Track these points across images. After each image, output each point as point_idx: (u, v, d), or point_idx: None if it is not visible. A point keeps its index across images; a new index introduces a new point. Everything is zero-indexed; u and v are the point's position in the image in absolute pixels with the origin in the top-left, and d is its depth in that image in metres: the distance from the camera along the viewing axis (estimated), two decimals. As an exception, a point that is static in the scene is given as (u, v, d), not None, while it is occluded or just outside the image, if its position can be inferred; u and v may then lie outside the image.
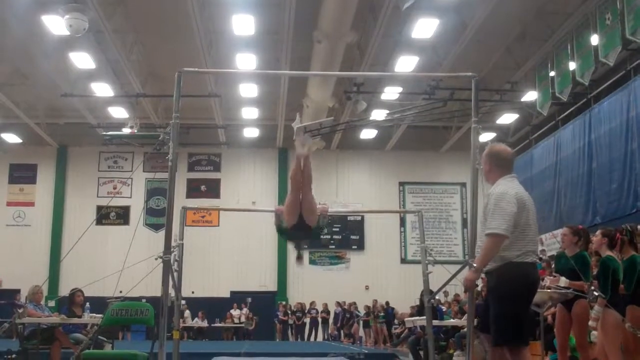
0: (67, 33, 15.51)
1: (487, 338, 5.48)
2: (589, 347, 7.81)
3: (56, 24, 15.72)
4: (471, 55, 17.73)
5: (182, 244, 8.21)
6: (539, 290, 5.73)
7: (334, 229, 26.38)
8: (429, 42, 17.58)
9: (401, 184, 26.65)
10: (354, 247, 26.49)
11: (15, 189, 26.39)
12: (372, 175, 26.96)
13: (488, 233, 5.14)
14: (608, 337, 6.91)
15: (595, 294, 6.94)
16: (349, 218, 26.40)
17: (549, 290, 7.29)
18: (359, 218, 26.41)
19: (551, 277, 7.52)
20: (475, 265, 5.26)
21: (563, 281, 7.14)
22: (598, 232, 7.28)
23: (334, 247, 26.47)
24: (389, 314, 22.58)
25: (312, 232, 7.02)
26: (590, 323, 6.77)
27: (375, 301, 23.40)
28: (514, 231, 5.14)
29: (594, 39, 15.46)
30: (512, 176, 5.47)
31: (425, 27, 16.54)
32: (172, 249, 6.29)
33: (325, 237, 26.27)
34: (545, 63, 18.28)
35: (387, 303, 22.97)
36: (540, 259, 18.78)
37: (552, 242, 19.55)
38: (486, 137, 23.75)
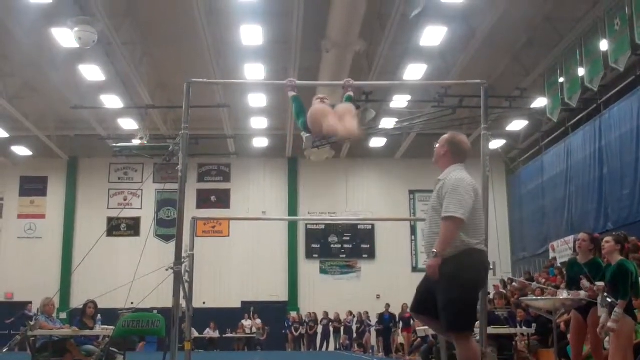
0: (77, 46, 15.60)
1: (427, 321, 5.55)
2: (604, 354, 7.73)
3: (65, 37, 15.81)
4: (480, 62, 17.69)
5: (193, 254, 8.19)
6: (552, 297, 5.69)
7: (344, 238, 26.36)
8: (437, 49, 17.56)
9: (411, 192, 26.59)
10: (364, 256, 26.41)
11: (26, 201, 26.48)
12: (382, 184, 26.91)
13: (446, 217, 5.10)
14: (620, 341, 6.83)
15: (609, 300, 6.87)
16: (359, 227, 26.36)
17: (561, 298, 7.24)
18: (369, 227, 26.36)
19: (571, 291, 7.44)
20: (435, 251, 5.13)
21: (583, 294, 7.10)
22: (610, 238, 7.22)
23: (344, 256, 26.40)
24: (385, 320, 22.47)
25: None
26: (610, 325, 6.67)
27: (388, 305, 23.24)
28: (473, 219, 5.14)
29: (603, 45, 15.39)
30: (463, 166, 5.43)
31: (433, 35, 16.52)
32: (182, 260, 6.28)
33: (335, 246, 26.25)
34: (554, 69, 18.22)
35: (388, 305, 22.83)
36: (553, 265, 18.71)
37: (564, 249, 19.46)
38: (496, 144, 23.71)
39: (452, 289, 5.09)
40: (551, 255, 20.63)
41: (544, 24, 17.10)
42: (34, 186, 26.56)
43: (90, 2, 14.28)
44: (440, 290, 5.15)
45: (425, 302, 5.37)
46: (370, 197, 26.58)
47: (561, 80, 17.92)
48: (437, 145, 5.56)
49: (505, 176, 26.92)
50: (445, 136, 5.56)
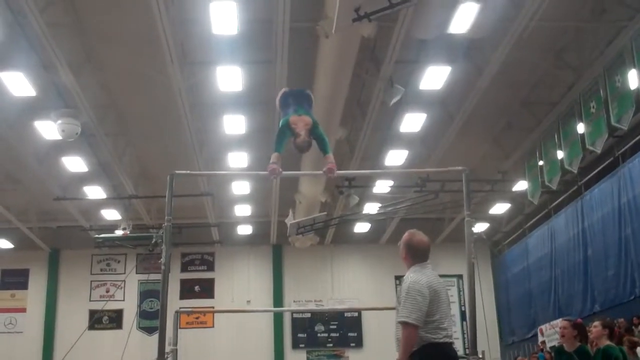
0: (60, 138, 15.68)
1: None
2: None
3: (48, 129, 15.91)
4: (460, 146, 17.92)
5: (176, 349, 8.03)
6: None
7: (331, 327, 25.96)
8: (417, 135, 17.81)
9: (397, 277, 26.37)
10: (352, 344, 25.96)
11: (6, 294, 25.98)
12: (368, 270, 26.72)
13: (400, 321, 5.25)
14: None
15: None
16: (345, 314, 26.00)
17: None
18: (356, 314, 26.04)
19: None
20: (400, 357, 5.26)
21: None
22: (597, 323, 7.18)
23: (331, 344, 25.94)
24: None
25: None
26: None
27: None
28: (433, 316, 5.25)
29: (580, 127, 15.66)
30: (424, 264, 5.54)
31: (413, 122, 16.81)
32: (166, 356, 6.14)
33: (322, 335, 25.83)
34: (533, 152, 18.46)
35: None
36: (542, 350, 18.49)
37: (551, 333, 19.26)
38: (480, 227, 23.78)
39: None
40: (540, 339, 20.42)
41: (521, 108, 17.44)
42: (14, 279, 26.13)
43: (73, 95, 14.42)
44: None
45: None
46: (356, 283, 26.36)
47: (541, 163, 18.14)
48: (400, 247, 5.71)
49: (490, 260, 26.89)
50: (404, 237, 5.69)
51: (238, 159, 18.64)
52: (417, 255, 5.57)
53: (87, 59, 14.38)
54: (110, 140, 17.35)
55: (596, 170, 17.81)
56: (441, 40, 13.50)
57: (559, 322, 18.57)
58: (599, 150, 15.41)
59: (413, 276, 5.41)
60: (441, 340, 5.28)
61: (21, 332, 25.48)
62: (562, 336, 7.47)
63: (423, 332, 5.22)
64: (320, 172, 7.36)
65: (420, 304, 5.22)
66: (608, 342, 6.99)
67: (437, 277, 5.48)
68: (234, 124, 16.80)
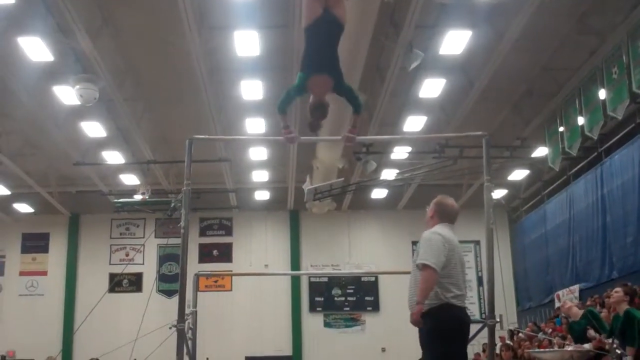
0: (78, 103, 15.73)
1: None
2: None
3: (67, 94, 15.97)
4: (479, 112, 17.79)
5: (196, 311, 8.13)
6: (560, 349, 5.65)
7: (348, 291, 26.13)
8: (436, 101, 17.69)
9: (414, 242, 26.43)
10: (368, 308, 26.14)
11: (27, 258, 26.34)
12: (385, 235, 26.79)
13: (419, 263, 5.28)
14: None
15: (618, 351, 6.79)
16: (362, 279, 26.17)
17: (570, 349, 7.14)
18: (372, 279, 26.16)
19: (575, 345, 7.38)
20: (417, 299, 5.33)
21: (588, 346, 7.03)
22: (619, 289, 7.18)
23: (348, 308, 26.12)
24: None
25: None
26: None
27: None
28: (449, 272, 5.30)
29: (602, 93, 15.49)
30: (450, 226, 5.63)
31: (432, 87, 16.68)
32: (185, 318, 6.21)
33: (339, 299, 26.01)
34: (554, 118, 18.30)
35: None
36: (558, 315, 18.51)
37: (569, 298, 19.26)
38: (498, 194, 23.67)
39: (433, 345, 5.20)
40: (557, 304, 20.42)
41: (542, 74, 17.25)
42: (35, 243, 26.46)
43: (91, 60, 14.42)
44: (423, 347, 5.41)
45: None
46: (373, 249, 26.45)
47: (561, 129, 17.99)
48: (428, 208, 5.81)
49: (508, 226, 26.84)
50: (436, 198, 5.81)
51: (255, 125, 18.64)
52: (444, 215, 5.65)
53: (105, 23, 14.34)
54: (129, 105, 17.38)
55: (617, 137, 17.63)
56: (461, 5, 13.36)
57: (576, 287, 18.62)
58: (620, 117, 15.27)
59: (436, 229, 5.49)
60: (457, 303, 5.31)
61: (42, 295, 25.87)
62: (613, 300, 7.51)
63: (438, 289, 5.23)
64: (339, 137, 7.23)
65: (440, 251, 5.27)
66: (628, 307, 7.00)
67: (457, 241, 5.50)
68: (252, 89, 16.76)
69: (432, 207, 5.73)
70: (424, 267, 5.23)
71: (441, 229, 5.49)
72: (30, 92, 16.26)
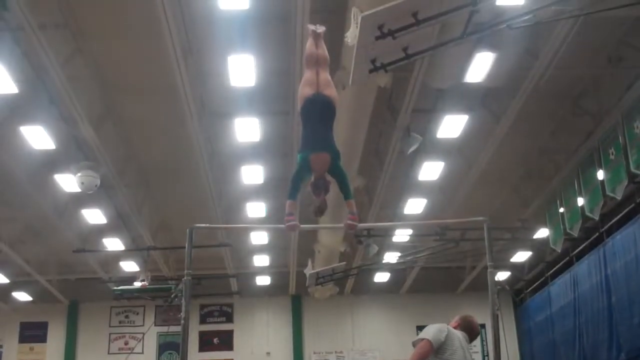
0: (79, 190, 15.79)
1: None
2: None
3: (68, 182, 16.04)
4: (479, 194, 17.83)
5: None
6: None
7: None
8: (436, 183, 17.74)
9: (419, 327, 25.97)
10: (373, 397, 25.55)
11: (25, 348, 25.87)
12: (389, 320, 26.38)
13: (417, 338, 5.45)
14: None
15: None
16: (366, 366, 25.68)
17: None
18: (377, 366, 25.67)
19: None
20: None
21: None
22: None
23: (353, 397, 25.55)
24: None
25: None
26: None
27: None
28: (449, 357, 5.36)
29: (600, 174, 15.54)
30: (465, 336, 5.80)
31: (431, 170, 16.75)
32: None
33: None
34: (553, 200, 18.31)
35: None
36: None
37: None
38: (501, 276, 23.48)
39: None
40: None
41: (540, 156, 17.36)
42: (33, 332, 26.03)
43: (93, 148, 14.56)
44: None
45: None
46: (377, 334, 26.02)
47: (562, 210, 17.97)
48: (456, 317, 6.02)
49: (512, 309, 26.47)
50: (462, 314, 6.08)
51: (256, 209, 18.65)
52: (466, 329, 5.85)
53: (107, 112, 14.55)
54: (130, 192, 17.44)
55: (618, 217, 17.60)
56: (457, 89, 13.54)
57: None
58: (619, 197, 15.27)
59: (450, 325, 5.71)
60: None
61: (39, 388, 25.32)
62: None
63: None
64: (341, 225, 7.24)
65: (440, 332, 5.41)
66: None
67: (466, 343, 5.67)
68: (252, 174, 16.86)
69: (457, 319, 5.92)
70: (421, 340, 5.40)
71: (452, 328, 5.67)
72: (32, 179, 16.33)
